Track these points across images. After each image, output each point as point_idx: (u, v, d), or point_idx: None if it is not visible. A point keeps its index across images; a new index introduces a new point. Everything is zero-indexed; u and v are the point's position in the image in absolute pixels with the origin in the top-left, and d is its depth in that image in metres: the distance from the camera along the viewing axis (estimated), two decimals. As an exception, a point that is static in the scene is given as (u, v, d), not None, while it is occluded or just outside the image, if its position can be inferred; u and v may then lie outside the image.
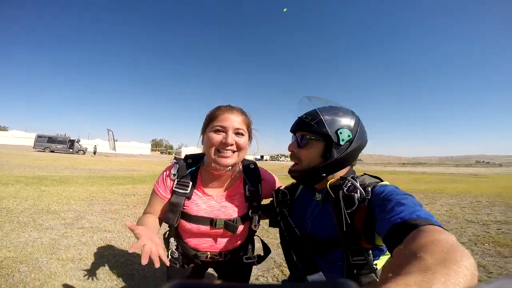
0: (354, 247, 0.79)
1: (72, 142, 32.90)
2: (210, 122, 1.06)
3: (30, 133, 47.79)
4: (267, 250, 1.33)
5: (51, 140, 31.89)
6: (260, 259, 1.27)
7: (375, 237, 0.75)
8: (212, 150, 1.03)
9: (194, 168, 1.14)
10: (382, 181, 0.86)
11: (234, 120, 1.03)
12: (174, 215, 1.08)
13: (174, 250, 1.15)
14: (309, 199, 1.02)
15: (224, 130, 1.02)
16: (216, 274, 1.44)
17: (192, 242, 1.14)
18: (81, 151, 33.36)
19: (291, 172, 0.99)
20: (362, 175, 0.92)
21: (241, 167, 1.20)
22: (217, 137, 1.01)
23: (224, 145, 1.01)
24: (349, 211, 0.78)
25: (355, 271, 0.79)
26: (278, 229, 1.10)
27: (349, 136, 0.89)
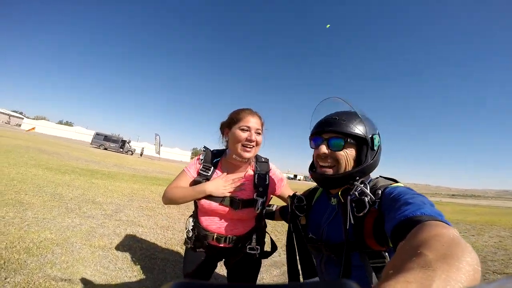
0: (361, 250, 0.81)
1: (123, 143, 35.68)
2: (236, 122, 1.27)
3: (90, 130, 52.71)
4: (274, 247, 1.47)
5: (106, 138, 34.79)
6: (265, 254, 1.39)
7: (388, 238, 0.73)
8: (239, 145, 1.26)
9: (218, 158, 1.38)
10: (397, 182, 0.87)
11: (255, 122, 1.28)
12: None
13: (190, 229, 1.34)
14: (325, 204, 1.03)
15: (248, 129, 1.25)
16: (225, 269, 1.49)
17: (205, 221, 1.31)
18: (130, 152, 35.88)
19: (326, 175, 0.93)
20: (377, 177, 0.94)
21: (254, 159, 1.40)
22: (243, 135, 1.24)
23: (249, 141, 1.25)
24: (360, 214, 0.79)
25: (373, 273, 0.79)
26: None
27: (378, 142, 0.92)
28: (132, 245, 2.95)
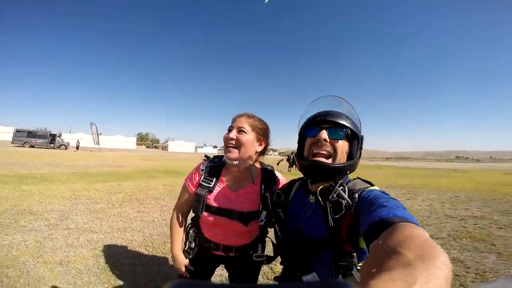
0: (338, 250, 0.83)
1: (53, 137, 31.77)
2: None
3: (8, 127, 45.17)
4: (277, 251, 1.40)
5: (30, 134, 30.68)
6: (270, 259, 1.35)
7: (359, 240, 0.79)
8: (224, 146, 1.23)
9: (218, 165, 1.30)
10: (373, 185, 0.88)
11: (239, 121, 1.21)
12: (198, 205, 1.23)
13: (191, 240, 1.30)
14: (303, 200, 1.02)
15: (231, 128, 1.21)
16: (226, 273, 1.52)
17: (209, 233, 1.28)
18: (63, 146, 32.20)
19: (322, 163, 0.91)
20: (355, 179, 0.95)
21: (259, 168, 1.34)
22: (226, 135, 1.21)
23: (227, 139, 1.20)
24: (337, 216, 0.81)
25: (341, 272, 0.82)
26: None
27: (363, 142, 0.98)
28: (91, 255, 2.83)
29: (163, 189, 7.09)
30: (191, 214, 1.34)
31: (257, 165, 1.33)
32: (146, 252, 3.03)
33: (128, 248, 3.11)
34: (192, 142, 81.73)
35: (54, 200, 5.01)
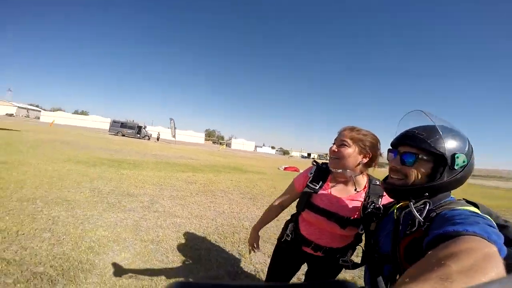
0: (398, 265, 0.83)
1: (139, 128, 36.59)
2: None
3: (106, 118, 54.43)
4: (364, 259, 1.40)
5: (123, 125, 35.92)
6: (355, 265, 1.35)
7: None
8: (329, 156, 1.35)
9: (325, 170, 1.41)
10: (477, 207, 0.80)
11: (342, 134, 1.30)
12: (302, 202, 1.37)
13: (288, 233, 1.44)
14: (391, 216, 1.02)
15: (334, 142, 1.32)
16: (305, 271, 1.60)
17: (305, 230, 1.39)
18: (147, 137, 36.86)
19: (391, 185, 0.93)
20: (459, 199, 0.88)
21: (366, 180, 1.37)
22: (330, 147, 1.33)
23: (330, 151, 1.32)
24: (408, 232, 0.81)
25: None
26: None
27: (464, 162, 0.84)
28: (175, 237, 3.22)
29: (230, 184, 7.52)
30: (290, 211, 1.51)
31: (364, 176, 1.37)
32: (218, 240, 3.32)
33: (204, 235, 3.44)
34: (252, 141, 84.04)
35: (145, 185, 5.78)
